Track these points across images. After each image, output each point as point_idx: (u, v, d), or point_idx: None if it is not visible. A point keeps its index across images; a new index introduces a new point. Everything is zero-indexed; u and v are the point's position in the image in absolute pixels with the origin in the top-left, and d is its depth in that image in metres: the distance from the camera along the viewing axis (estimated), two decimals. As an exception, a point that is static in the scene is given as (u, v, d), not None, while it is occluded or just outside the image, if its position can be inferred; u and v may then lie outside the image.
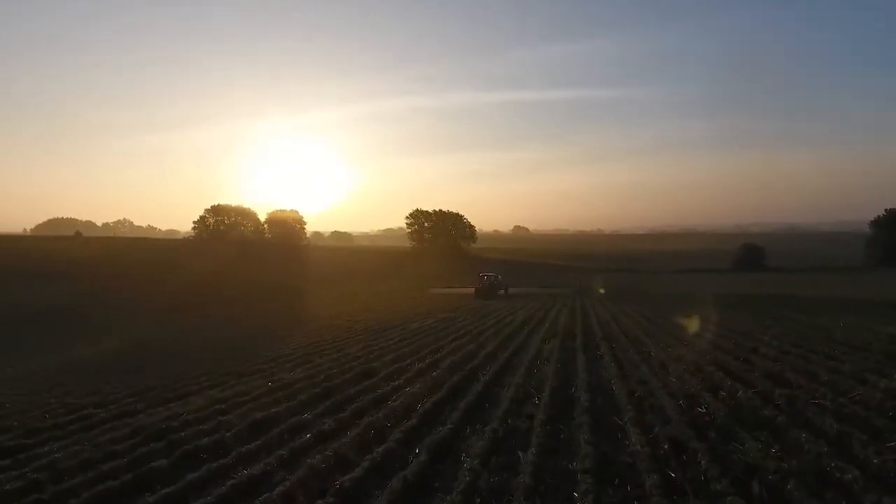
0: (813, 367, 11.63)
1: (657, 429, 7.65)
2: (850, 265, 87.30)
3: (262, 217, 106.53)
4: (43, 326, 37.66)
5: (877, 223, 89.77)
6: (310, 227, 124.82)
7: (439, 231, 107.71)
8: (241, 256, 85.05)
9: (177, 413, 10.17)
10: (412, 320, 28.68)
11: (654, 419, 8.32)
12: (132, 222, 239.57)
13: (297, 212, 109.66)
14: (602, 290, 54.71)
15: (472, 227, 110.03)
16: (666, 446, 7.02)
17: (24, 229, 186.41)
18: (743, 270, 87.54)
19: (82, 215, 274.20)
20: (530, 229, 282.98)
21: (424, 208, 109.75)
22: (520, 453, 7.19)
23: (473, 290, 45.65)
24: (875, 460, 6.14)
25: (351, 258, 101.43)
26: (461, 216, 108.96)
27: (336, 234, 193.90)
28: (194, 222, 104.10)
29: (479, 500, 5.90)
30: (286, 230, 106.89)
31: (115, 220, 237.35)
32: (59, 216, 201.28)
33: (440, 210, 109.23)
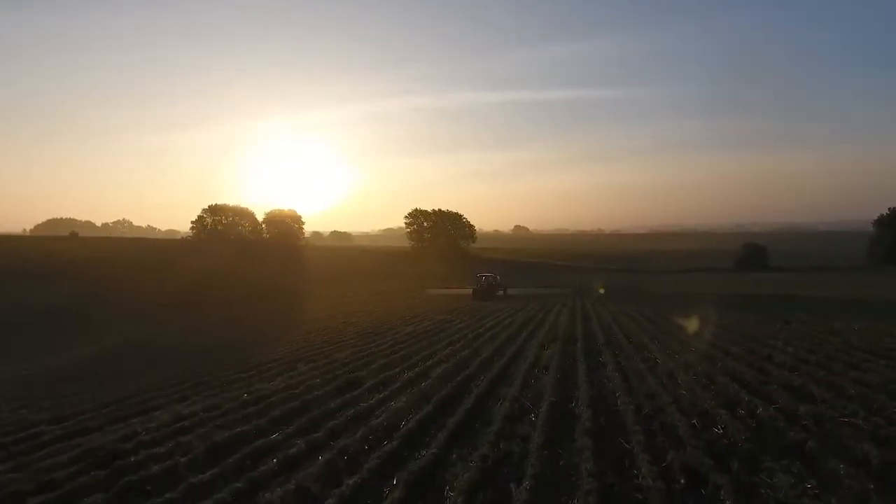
0: (836, 377, 10.65)
1: (670, 456, 6.66)
2: (853, 265, 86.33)
3: (261, 217, 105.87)
4: (36, 328, 36.76)
5: (880, 222, 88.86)
6: (310, 227, 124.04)
7: (438, 231, 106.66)
8: (239, 256, 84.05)
9: (135, 432, 9.19)
10: (407, 322, 27.71)
11: (665, 442, 7.33)
12: (132, 222, 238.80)
13: (295, 211, 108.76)
14: (602, 291, 53.75)
15: (471, 226, 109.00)
16: (682, 480, 6.03)
17: (24, 229, 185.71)
18: (745, 270, 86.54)
19: (82, 215, 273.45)
20: (530, 229, 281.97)
21: (424, 208, 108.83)
22: (512, 486, 6.21)
23: (471, 290, 44.59)
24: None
25: (349, 258, 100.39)
26: (460, 216, 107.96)
27: (335, 233, 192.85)
28: (192, 222, 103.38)
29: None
30: (284, 230, 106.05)
31: (115, 220, 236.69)
32: (59, 216, 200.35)
33: (439, 210, 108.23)
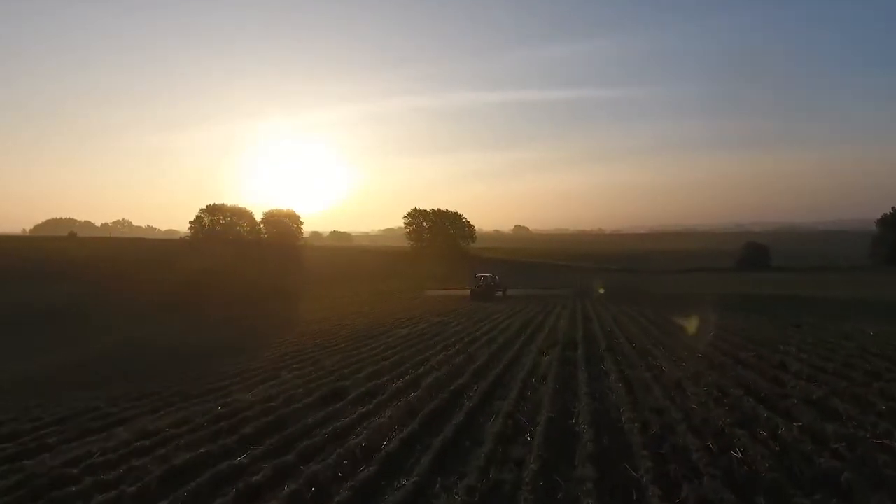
0: (859, 389, 9.79)
1: (685, 490, 5.79)
2: (856, 265, 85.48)
3: (259, 217, 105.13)
4: (29, 328, 35.93)
5: (883, 222, 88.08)
6: (310, 227, 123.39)
7: (438, 231, 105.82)
8: (236, 256, 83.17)
9: (89, 452, 8.32)
10: (402, 325, 26.86)
11: (678, 470, 6.45)
12: (131, 222, 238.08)
13: (293, 211, 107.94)
14: (602, 290, 52.86)
15: (471, 226, 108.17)
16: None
17: (24, 230, 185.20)
18: (747, 270, 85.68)
19: (81, 215, 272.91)
20: (531, 229, 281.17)
21: (424, 208, 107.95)
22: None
23: (469, 291, 43.69)
24: None
25: (348, 258, 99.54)
26: (460, 215, 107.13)
27: (335, 233, 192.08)
28: (190, 222, 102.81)
29: None
30: (282, 230, 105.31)
31: (114, 220, 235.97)
32: (58, 216, 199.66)
33: (438, 209, 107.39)
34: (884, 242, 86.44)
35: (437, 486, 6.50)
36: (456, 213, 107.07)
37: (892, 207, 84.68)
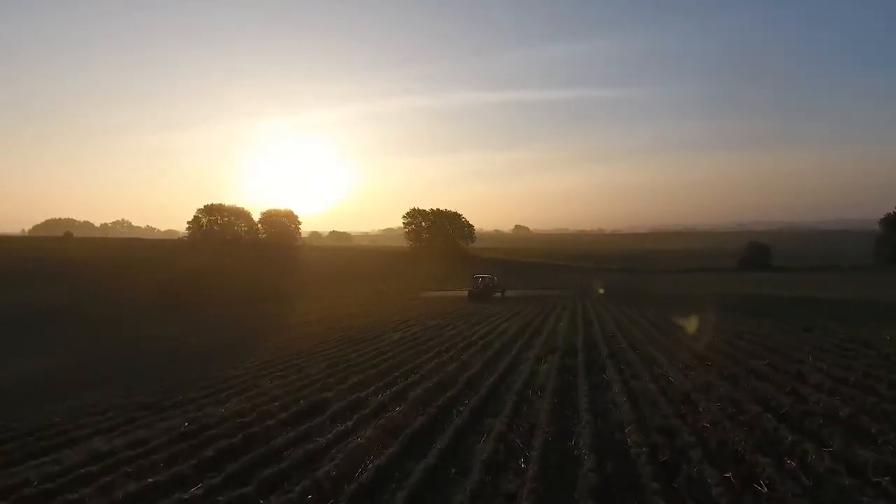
0: (889, 406, 8.81)
1: (706, 539, 4.84)
2: (859, 264, 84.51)
3: (257, 217, 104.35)
4: (28, 329, 35.11)
5: (887, 221, 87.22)
6: (310, 227, 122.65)
7: (437, 231, 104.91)
8: (233, 257, 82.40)
9: (26, 480, 7.38)
10: (396, 328, 25.95)
11: (695, 510, 5.50)
12: (130, 223, 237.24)
13: (291, 211, 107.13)
14: (601, 290, 51.88)
15: (470, 226, 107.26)
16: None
17: (23, 230, 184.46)
18: (748, 270, 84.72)
19: (80, 216, 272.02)
20: (531, 229, 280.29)
21: (423, 208, 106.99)
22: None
23: (467, 292, 42.73)
24: None
25: (346, 258, 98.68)
26: (459, 215, 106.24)
27: (334, 233, 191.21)
28: (188, 222, 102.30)
29: None
30: (280, 230, 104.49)
31: (114, 220, 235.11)
32: (57, 217, 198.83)
33: (437, 209, 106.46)
34: (887, 242, 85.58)
35: (413, 530, 5.56)
36: (455, 213, 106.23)
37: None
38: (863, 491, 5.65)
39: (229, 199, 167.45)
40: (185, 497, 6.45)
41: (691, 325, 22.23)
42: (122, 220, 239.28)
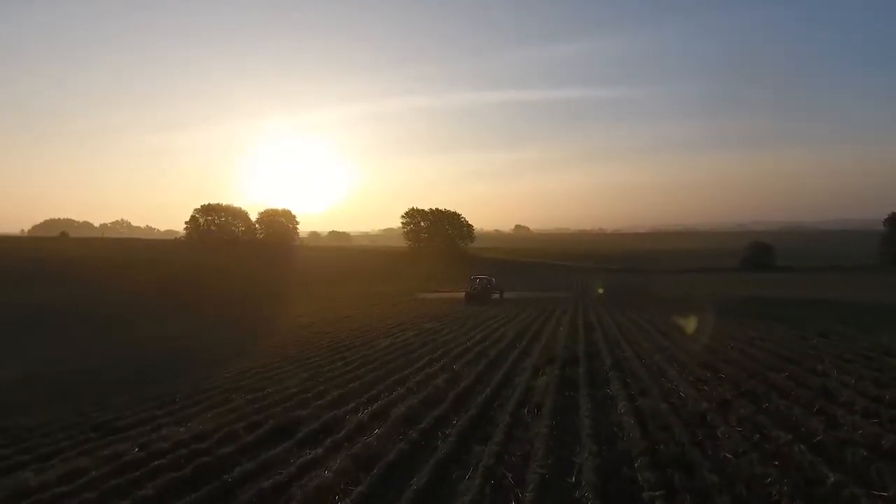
0: (937, 431, 7.67)
1: None
2: (862, 265, 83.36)
3: (255, 217, 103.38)
4: (26, 329, 34.03)
5: (891, 221, 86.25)
6: (310, 227, 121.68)
7: (436, 230, 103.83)
8: (229, 257, 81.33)
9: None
10: (388, 332, 24.79)
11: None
12: (129, 223, 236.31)
13: (289, 211, 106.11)
14: (601, 290, 50.70)
15: (469, 226, 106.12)
16: None
17: (22, 230, 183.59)
18: (751, 270, 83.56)
19: (80, 216, 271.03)
20: (531, 229, 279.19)
21: (422, 207, 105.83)
22: None
23: (464, 294, 41.52)
24: None
25: (344, 259, 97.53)
26: (458, 215, 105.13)
27: (333, 233, 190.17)
28: (186, 222, 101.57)
29: None
30: (278, 230, 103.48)
31: (113, 220, 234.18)
32: (57, 217, 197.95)
33: (436, 209, 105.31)
34: (892, 242, 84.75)
35: None
36: (454, 213, 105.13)
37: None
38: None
39: (229, 199, 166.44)
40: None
41: (698, 329, 21.09)
42: (122, 220, 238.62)
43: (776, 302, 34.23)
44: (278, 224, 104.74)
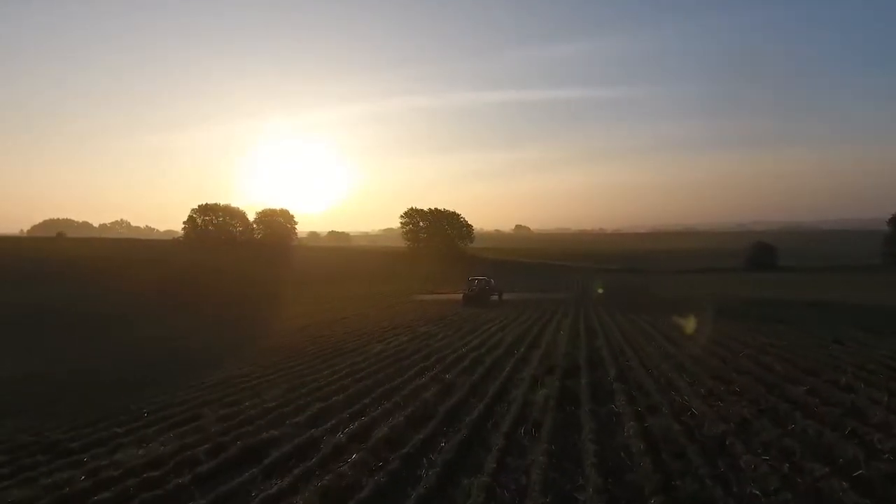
0: None
1: None
2: (865, 265, 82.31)
3: (254, 217, 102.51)
4: (25, 329, 33.21)
5: (895, 221, 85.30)
6: (309, 227, 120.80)
7: (435, 230, 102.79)
8: (226, 257, 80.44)
9: None
10: (382, 337, 23.79)
11: None
12: (129, 223, 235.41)
13: (287, 211, 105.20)
14: (601, 290, 49.66)
15: (469, 226, 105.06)
16: None
17: (21, 230, 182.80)
18: (754, 270, 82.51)
19: (79, 216, 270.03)
20: (532, 229, 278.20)
21: (422, 207, 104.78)
22: None
23: (462, 295, 40.45)
24: None
25: (343, 259, 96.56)
26: (458, 215, 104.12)
27: (332, 233, 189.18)
28: (184, 222, 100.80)
29: None
30: (276, 229, 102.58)
31: (112, 220, 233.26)
32: (56, 217, 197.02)
33: (435, 209, 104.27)
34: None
35: None
36: (453, 213, 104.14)
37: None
38: None
39: (229, 199, 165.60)
40: None
41: (704, 334, 20.07)
42: (121, 220, 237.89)
43: (782, 304, 33.19)
44: (276, 224, 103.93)
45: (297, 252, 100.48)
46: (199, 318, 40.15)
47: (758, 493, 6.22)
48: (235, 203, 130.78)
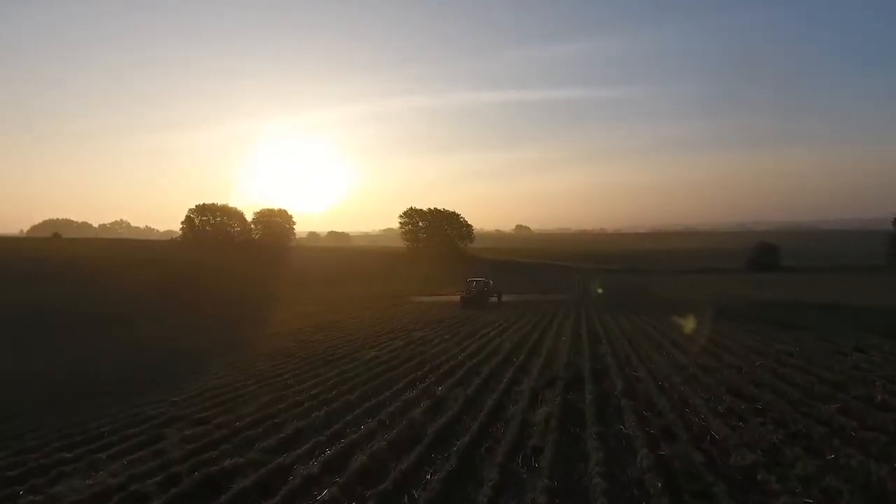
0: None
1: None
2: (869, 265, 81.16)
3: (252, 217, 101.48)
4: (24, 330, 32.19)
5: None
6: (309, 228, 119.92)
7: (434, 230, 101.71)
8: (225, 257, 79.36)
9: None
10: (375, 342, 22.71)
11: None
12: (129, 223, 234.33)
13: (285, 211, 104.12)
14: (601, 290, 48.59)
15: (469, 226, 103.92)
16: None
17: (21, 230, 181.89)
18: (757, 270, 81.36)
19: (79, 216, 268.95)
20: (532, 229, 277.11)
21: (421, 207, 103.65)
22: None
23: (460, 297, 39.30)
24: None
25: (341, 259, 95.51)
26: (457, 215, 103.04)
27: (332, 234, 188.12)
28: (182, 223, 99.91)
29: None
30: (274, 230, 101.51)
31: (112, 221, 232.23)
32: (55, 217, 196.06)
33: (435, 209, 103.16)
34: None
35: None
36: (453, 213, 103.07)
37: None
38: None
39: (229, 199, 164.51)
40: None
41: (713, 340, 18.98)
42: (121, 220, 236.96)
43: (792, 306, 32.01)
44: (274, 224, 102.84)
45: (297, 252, 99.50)
46: (198, 318, 39.21)
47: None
48: (236, 203, 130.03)
